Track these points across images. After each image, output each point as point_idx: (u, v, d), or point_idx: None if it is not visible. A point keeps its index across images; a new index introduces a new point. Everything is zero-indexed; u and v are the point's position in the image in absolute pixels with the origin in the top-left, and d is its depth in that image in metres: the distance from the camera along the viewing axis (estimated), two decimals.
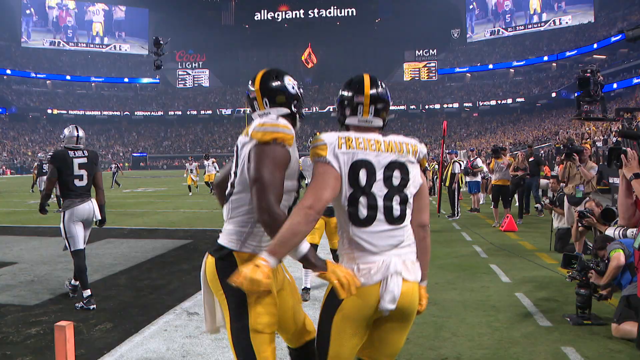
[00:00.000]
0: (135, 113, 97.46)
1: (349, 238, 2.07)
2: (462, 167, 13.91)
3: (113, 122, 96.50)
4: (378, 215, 2.04)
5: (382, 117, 2.19)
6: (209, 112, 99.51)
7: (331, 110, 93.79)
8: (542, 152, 34.62)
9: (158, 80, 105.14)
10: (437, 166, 19.39)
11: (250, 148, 2.14)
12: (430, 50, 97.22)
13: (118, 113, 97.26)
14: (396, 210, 2.07)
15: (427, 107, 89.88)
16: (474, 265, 7.14)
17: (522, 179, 12.12)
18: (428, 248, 2.23)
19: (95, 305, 5.14)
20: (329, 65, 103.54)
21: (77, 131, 5.60)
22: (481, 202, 16.30)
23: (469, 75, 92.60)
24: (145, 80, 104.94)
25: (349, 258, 2.08)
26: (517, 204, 12.92)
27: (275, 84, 2.35)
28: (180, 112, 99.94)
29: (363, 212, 2.04)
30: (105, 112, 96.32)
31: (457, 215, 12.91)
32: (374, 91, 2.17)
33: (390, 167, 2.08)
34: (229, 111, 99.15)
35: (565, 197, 8.11)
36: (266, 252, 1.88)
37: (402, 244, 2.08)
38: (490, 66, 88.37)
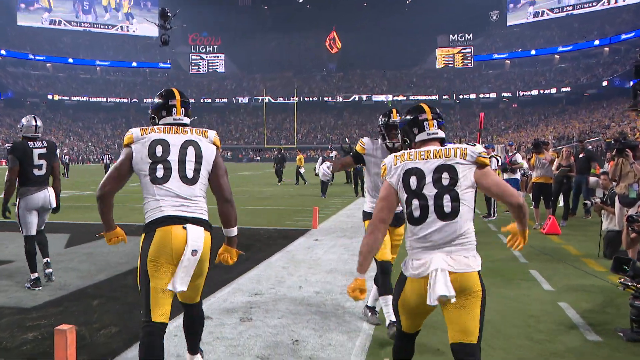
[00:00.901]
0: (145, 100, 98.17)
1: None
2: (500, 163, 13.72)
3: (120, 110, 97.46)
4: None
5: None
6: (225, 100, 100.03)
7: (356, 99, 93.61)
8: (590, 147, 34.06)
9: (169, 65, 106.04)
10: None
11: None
12: (466, 35, 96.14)
13: (125, 100, 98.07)
14: (447, 207, 2.65)
15: (461, 97, 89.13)
16: (512, 270, 7.05)
17: (566, 176, 11.93)
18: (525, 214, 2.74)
19: (40, 287, 5.87)
20: (355, 50, 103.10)
21: (36, 121, 6.01)
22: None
23: (509, 62, 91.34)
24: (156, 65, 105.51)
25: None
26: (561, 204, 12.72)
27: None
28: (193, 100, 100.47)
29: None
30: (112, 99, 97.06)
31: (494, 216, 12.77)
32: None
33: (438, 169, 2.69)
34: (246, 99, 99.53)
35: (616, 197, 7.91)
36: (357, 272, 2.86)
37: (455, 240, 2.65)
38: (533, 52, 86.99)
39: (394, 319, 4.19)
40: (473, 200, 2.71)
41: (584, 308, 5.35)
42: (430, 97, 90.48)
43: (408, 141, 2.90)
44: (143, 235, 3.16)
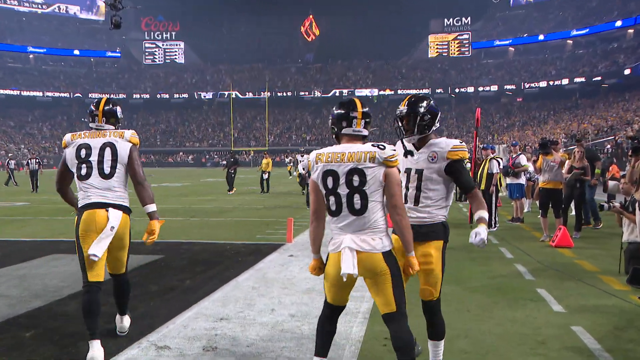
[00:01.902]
0: (90, 95, 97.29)
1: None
2: (501, 166, 13.87)
3: (60, 106, 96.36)
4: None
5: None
6: (185, 95, 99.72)
7: (337, 94, 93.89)
8: (609, 146, 34.18)
9: (119, 54, 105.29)
10: (469, 165, 19.35)
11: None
12: (463, 19, 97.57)
13: (67, 95, 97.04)
14: (357, 204, 3.54)
15: (457, 90, 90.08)
16: (517, 288, 7.10)
17: (579, 180, 12.04)
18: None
19: None
20: (335, 38, 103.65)
21: None
22: (526, 210, 16.27)
23: (512, 49, 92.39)
24: (103, 53, 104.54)
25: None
26: (572, 212, 12.87)
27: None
28: (148, 96, 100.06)
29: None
30: (50, 93, 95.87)
31: (495, 227, 12.88)
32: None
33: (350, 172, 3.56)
34: (209, 95, 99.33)
35: (637, 205, 7.82)
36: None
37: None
38: (541, 37, 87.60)
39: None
40: (382, 195, 3.55)
41: (601, 333, 5.36)
42: (421, 91, 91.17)
43: (336, 129, 3.76)
44: (75, 217, 4.75)
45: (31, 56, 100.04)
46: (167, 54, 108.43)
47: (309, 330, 5.38)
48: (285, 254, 9.58)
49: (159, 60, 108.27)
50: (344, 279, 3.53)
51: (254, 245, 10.56)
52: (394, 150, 3.62)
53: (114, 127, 5.03)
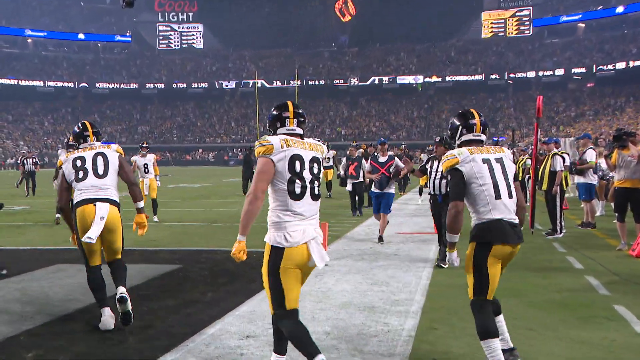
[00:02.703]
0: (97, 85, 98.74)
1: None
2: (567, 163, 13.64)
3: (64, 98, 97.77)
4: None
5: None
6: (204, 85, 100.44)
7: (376, 82, 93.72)
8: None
9: (130, 39, 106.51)
10: (529, 161, 19.17)
11: None
12: None
13: (71, 84, 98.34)
14: (316, 189, 4.49)
15: (515, 75, 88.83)
16: (589, 304, 7.01)
17: None
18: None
19: None
20: (374, 18, 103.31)
21: None
22: (598, 214, 16.01)
23: (582, 25, 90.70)
24: (112, 38, 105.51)
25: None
26: None
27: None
28: (162, 85, 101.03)
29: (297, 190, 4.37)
30: (52, 83, 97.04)
31: (560, 233, 12.71)
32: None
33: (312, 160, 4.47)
34: (232, 84, 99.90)
35: None
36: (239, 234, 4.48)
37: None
38: (620, 9, 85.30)
39: None
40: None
41: None
42: (473, 77, 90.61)
43: (272, 130, 4.63)
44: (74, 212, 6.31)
45: (29, 40, 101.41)
46: (183, 38, 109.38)
47: (346, 349, 5.39)
48: (320, 262, 9.59)
49: (174, 45, 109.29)
50: (321, 266, 4.51)
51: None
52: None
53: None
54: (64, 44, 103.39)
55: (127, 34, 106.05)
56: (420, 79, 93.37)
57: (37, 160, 28.93)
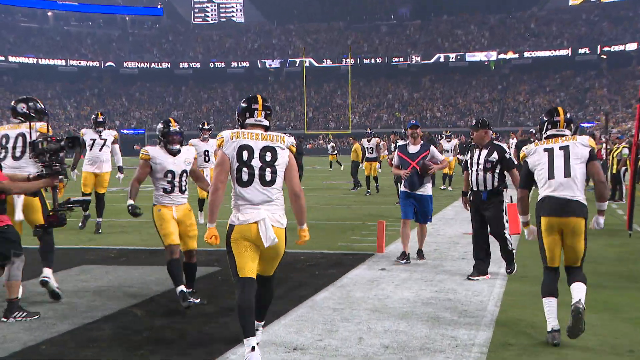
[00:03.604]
0: (125, 64, 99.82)
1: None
2: None
3: (88, 79, 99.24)
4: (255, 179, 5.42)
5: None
6: (245, 64, 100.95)
7: (441, 60, 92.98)
8: None
9: (161, 12, 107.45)
10: (625, 151, 18.78)
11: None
12: None
13: (96, 64, 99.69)
14: (267, 176, 5.43)
15: (610, 48, 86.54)
16: None
17: None
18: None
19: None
20: None
21: None
22: None
23: None
24: (142, 11, 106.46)
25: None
26: None
27: None
28: (198, 65, 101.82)
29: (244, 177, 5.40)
30: (75, 62, 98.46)
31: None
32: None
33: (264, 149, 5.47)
34: (276, 63, 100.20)
35: None
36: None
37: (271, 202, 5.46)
38: None
39: (556, 326, 6.08)
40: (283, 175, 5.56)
41: None
42: (557, 52, 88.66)
43: (241, 121, 5.73)
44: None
45: (50, 14, 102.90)
46: (222, 10, 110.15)
47: None
48: (376, 267, 9.59)
49: (211, 19, 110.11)
50: (267, 245, 5.44)
51: (335, 256, 10.59)
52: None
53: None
54: (88, 18, 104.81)
55: (159, 7, 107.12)
56: (493, 55, 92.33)
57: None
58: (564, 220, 6.13)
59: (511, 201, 12.17)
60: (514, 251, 9.07)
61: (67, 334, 6.41)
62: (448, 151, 24.67)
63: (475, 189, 8.96)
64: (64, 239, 12.75)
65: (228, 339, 6.11)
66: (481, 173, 8.83)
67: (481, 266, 8.84)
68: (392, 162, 10.62)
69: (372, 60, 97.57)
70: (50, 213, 7.48)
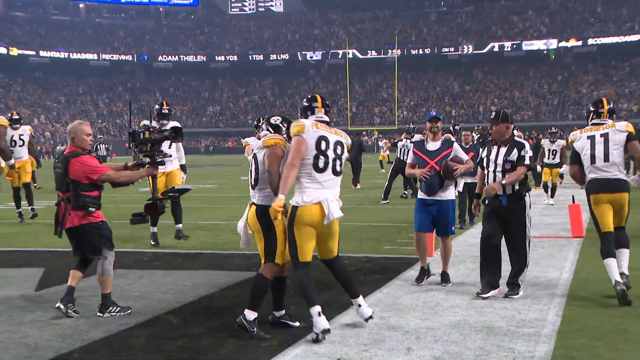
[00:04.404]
0: (159, 58, 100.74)
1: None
2: None
3: (121, 73, 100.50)
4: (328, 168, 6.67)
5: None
6: (285, 56, 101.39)
7: (496, 49, 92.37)
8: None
9: (197, 2, 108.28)
10: None
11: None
12: None
13: (129, 57, 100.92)
14: (337, 167, 6.74)
15: None
16: None
17: None
18: None
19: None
20: None
21: None
22: None
23: None
24: (175, 1, 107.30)
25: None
26: None
27: None
28: (235, 57, 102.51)
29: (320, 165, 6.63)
30: (107, 56, 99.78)
31: None
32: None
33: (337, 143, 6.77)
34: (318, 55, 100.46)
35: None
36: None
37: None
38: None
39: (618, 277, 7.72)
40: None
41: None
42: (626, 39, 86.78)
43: (304, 117, 6.81)
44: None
45: (82, 6, 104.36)
46: (260, 1, 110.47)
47: None
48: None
49: (249, 9, 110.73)
50: (328, 221, 6.58)
51: (381, 260, 10.56)
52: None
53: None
54: (120, 9, 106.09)
55: None
56: (553, 43, 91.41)
57: (107, 146, 28.98)
58: (615, 195, 8.04)
59: (573, 201, 11.97)
60: (526, 272, 8.21)
61: (100, 342, 6.50)
62: (554, 154, 23.09)
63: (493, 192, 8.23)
64: None
65: (269, 347, 6.14)
66: (499, 175, 8.16)
67: (492, 280, 8.13)
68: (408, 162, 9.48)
69: (420, 51, 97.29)
70: (150, 201, 7.89)
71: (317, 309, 6.38)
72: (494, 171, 8.19)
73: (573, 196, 13.53)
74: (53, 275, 9.68)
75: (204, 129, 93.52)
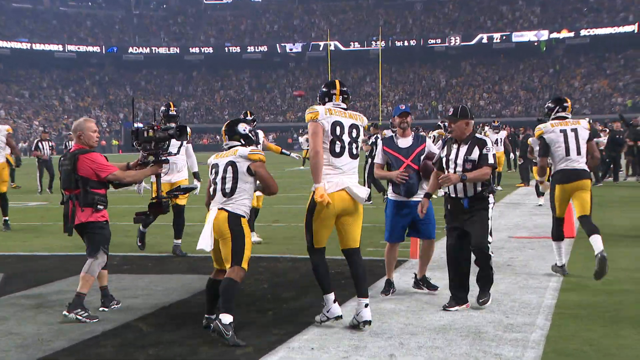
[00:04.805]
0: (130, 50, 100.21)
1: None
2: None
3: (88, 65, 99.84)
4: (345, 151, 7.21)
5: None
6: (263, 48, 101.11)
7: (484, 41, 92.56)
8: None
9: None
10: None
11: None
12: None
13: (97, 49, 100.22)
14: (354, 149, 7.27)
15: None
16: None
17: None
18: None
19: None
20: None
21: None
22: None
23: None
24: None
25: None
26: None
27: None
28: (210, 49, 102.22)
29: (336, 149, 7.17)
30: (73, 47, 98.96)
31: None
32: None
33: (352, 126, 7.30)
34: (298, 47, 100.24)
35: None
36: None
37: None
38: None
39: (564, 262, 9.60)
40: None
41: None
42: (620, 29, 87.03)
43: (324, 102, 7.32)
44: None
45: None
46: None
47: None
48: (409, 274, 9.53)
49: None
50: (362, 202, 7.29)
51: (340, 261, 10.60)
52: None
53: None
54: None
55: None
56: (544, 34, 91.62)
57: (51, 144, 28.25)
58: (579, 184, 9.31)
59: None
60: (493, 274, 7.87)
61: (63, 352, 6.46)
62: (496, 144, 23.61)
63: (453, 195, 7.93)
64: (60, 245, 12.83)
65: (245, 355, 6.16)
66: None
67: (459, 293, 7.83)
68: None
69: (405, 43, 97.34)
70: (154, 200, 8.04)
71: (331, 296, 7.07)
72: (455, 172, 7.78)
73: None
74: (13, 280, 9.65)
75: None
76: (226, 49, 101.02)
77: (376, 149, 10.10)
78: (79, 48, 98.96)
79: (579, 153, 9.27)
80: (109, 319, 7.53)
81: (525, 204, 18.76)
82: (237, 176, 6.97)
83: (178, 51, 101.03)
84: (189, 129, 8.88)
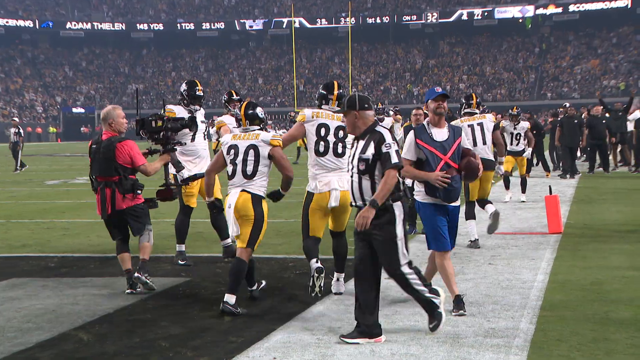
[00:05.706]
0: (68, 25, 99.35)
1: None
2: None
3: (19, 42, 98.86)
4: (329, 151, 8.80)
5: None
6: (220, 25, 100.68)
7: (464, 18, 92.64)
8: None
9: None
10: None
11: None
12: None
13: (29, 24, 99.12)
14: (340, 149, 8.79)
15: None
16: None
17: None
18: None
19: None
20: None
21: None
22: None
23: None
24: None
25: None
26: None
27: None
28: (160, 26, 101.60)
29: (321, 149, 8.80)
30: (1, 21, 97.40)
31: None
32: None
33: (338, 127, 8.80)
34: (259, 24, 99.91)
35: None
36: None
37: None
38: None
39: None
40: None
41: None
42: (611, 4, 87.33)
43: (318, 103, 8.87)
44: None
45: None
46: None
47: None
48: (382, 275, 9.58)
49: None
50: (332, 206, 8.59)
51: (331, 262, 10.60)
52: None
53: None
54: None
55: None
56: (529, 10, 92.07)
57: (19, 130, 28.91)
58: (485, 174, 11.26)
59: (550, 192, 12.30)
60: (432, 298, 6.93)
61: None
62: (517, 140, 19.55)
63: (353, 203, 7.25)
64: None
65: None
66: (356, 181, 7.04)
67: (366, 319, 6.85)
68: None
69: (378, 20, 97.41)
70: (163, 188, 9.14)
71: (314, 259, 8.56)
72: (351, 177, 7.11)
73: (550, 187, 13.74)
74: None
75: (125, 111, 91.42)
76: (178, 25, 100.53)
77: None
78: (7, 22, 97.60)
79: (484, 143, 12.07)
80: (44, 327, 7.43)
81: (496, 202, 18.59)
82: (259, 159, 8.15)
83: (124, 27, 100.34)
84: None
